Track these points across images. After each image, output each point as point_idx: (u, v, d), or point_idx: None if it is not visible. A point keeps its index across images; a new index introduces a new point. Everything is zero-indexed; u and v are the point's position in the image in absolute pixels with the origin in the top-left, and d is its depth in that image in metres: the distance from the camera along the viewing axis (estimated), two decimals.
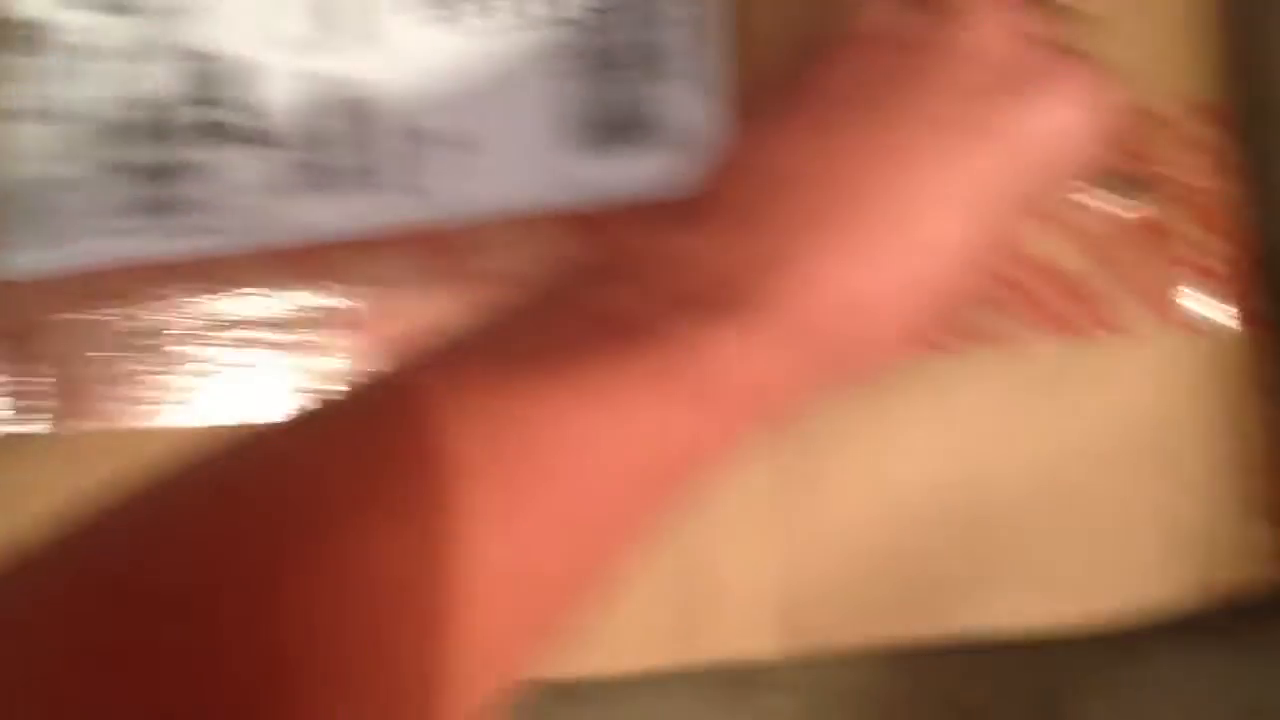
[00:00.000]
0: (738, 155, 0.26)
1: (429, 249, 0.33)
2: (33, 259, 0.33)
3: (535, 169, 0.33)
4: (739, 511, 0.32)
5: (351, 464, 0.20)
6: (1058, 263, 0.33)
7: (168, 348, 0.33)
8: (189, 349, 0.33)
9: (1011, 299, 0.33)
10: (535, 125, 0.33)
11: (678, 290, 0.23)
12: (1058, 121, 0.26)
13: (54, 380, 0.33)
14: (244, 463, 0.20)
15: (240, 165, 0.33)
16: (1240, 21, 0.34)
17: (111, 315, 0.33)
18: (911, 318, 0.25)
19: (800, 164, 0.25)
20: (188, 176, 0.33)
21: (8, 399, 0.33)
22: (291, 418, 0.21)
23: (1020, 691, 0.38)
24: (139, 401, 0.33)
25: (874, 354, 0.25)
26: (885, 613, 0.33)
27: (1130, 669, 0.38)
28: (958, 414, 0.33)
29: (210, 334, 0.33)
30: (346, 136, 0.33)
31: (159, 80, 0.33)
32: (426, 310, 0.33)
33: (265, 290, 0.33)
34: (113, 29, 0.33)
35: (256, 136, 0.33)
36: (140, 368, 0.33)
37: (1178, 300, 0.33)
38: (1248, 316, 0.33)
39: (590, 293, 0.24)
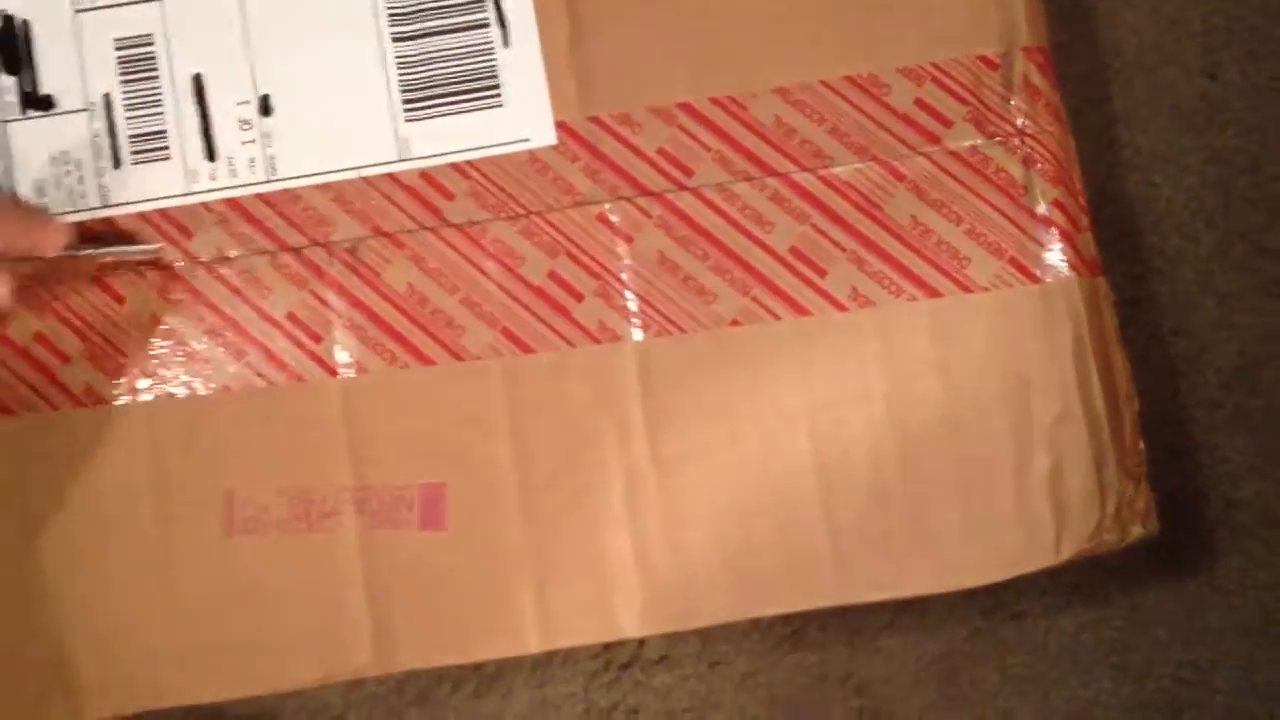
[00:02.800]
0: None
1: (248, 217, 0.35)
2: None
3: (364, 132, 0.36)
4: (595, 502, 0.35)
5: None
6: (908, 221, 0.35)
7: None
8: None
9: (866, 260, 0.35)
10: (360, 88, 0.36)
11: None
12: None
13: None
14: None
15: (47, 134, 0.36)
16: None
17: None
18: None
19: None
20: None
21: None
22: None
23: (913, 662, 0.41)
24: None
25: None
26: (759, 589, 0.34)
27: (1016, 633, 0.41)
28: (810, 381, 0.35)
29: None
30: (154, 100, 0.36)
31: None
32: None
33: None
34: None
35: (62, 103, 0.36)
36: None
37: (1025, 254, 0.35)
38: (1087, 264, 0.35)
39: None
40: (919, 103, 0.35)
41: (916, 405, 0.35)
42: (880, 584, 0.34)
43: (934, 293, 0.35)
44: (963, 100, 0.36)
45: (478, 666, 0.39)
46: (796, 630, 0.39)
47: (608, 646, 0.39)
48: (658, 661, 0.39)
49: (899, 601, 0.35)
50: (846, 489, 0.35)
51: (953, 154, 0.35)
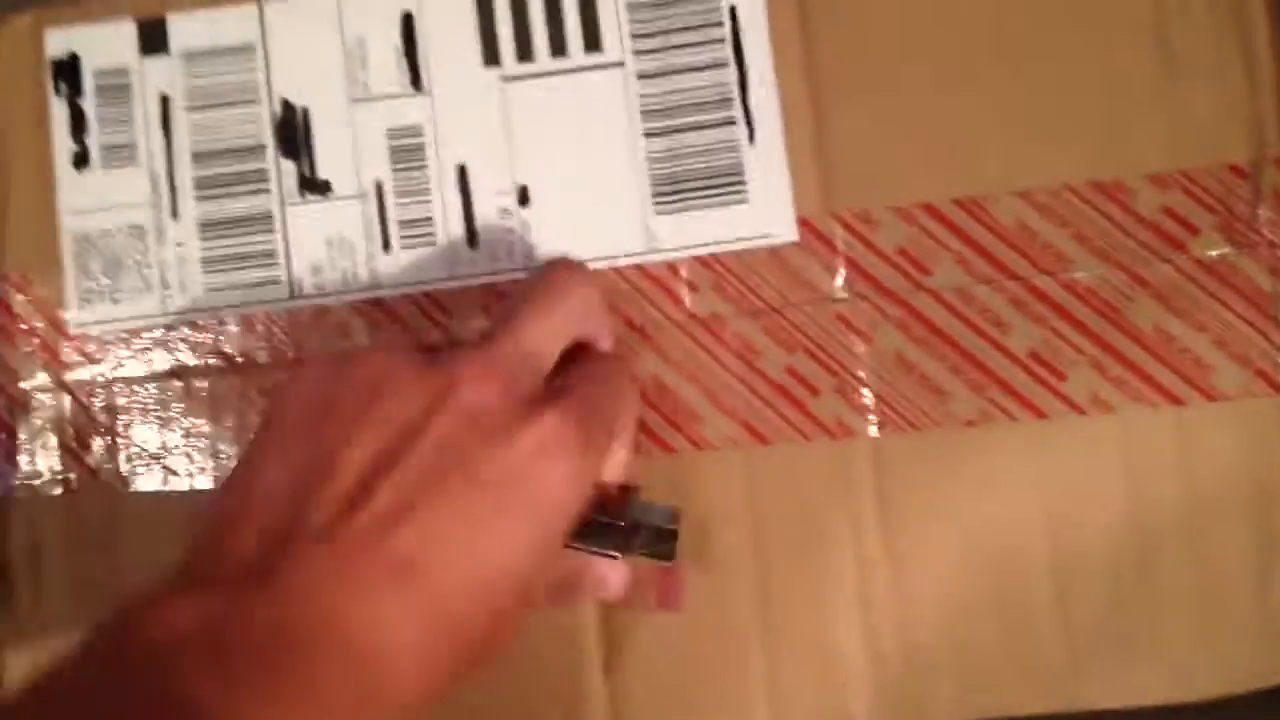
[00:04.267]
0: None
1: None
2: (113, 312, 0.38)
3: (616, 224, 0.37)
4: (828, 592, 0.36)
5: None
6: (1150, 328, 0.36)
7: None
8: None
9: (1107, 366, 0.36)
10: (612, 181, 0.38)
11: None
12: (536, 506, 0.29)
13: (119, 440, 0.38)
14: None
15: (323, 218, 0.38)
16: None
17: (182, 375, 0.38)
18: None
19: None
20: (270, 228, 0.38)
21: (69, 456, 0.38)
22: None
23: None
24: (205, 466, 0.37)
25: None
26: (990, 689, 0.35)
27: None
28: (1047, 483, 0.35)
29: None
30: (422, 188, 0.38)
31: (245, 131, 0.39)
32: None
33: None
34: (197, 79, 0.39)
35: (337, 189, 0.38)
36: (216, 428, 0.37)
37: (1270, 363, 0.35)
38: None
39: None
40: (1166, 210, 0.36)
41: (1157, 511, 0.35)
42: (1115, 691, 0.35)
43: (1177, 400, 0.35)
44: (1210, 209, 0.36)
45: None
46: None
47: None
48: None
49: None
50: (1082, 592, 0.35)
51: (1198, 262, 0.35)
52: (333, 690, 0.25)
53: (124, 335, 0.37)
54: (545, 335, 0.31)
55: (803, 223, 0.37)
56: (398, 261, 0.37)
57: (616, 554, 0.31)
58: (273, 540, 0.26)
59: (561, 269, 0.33)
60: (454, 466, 0.28)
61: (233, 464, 0.37)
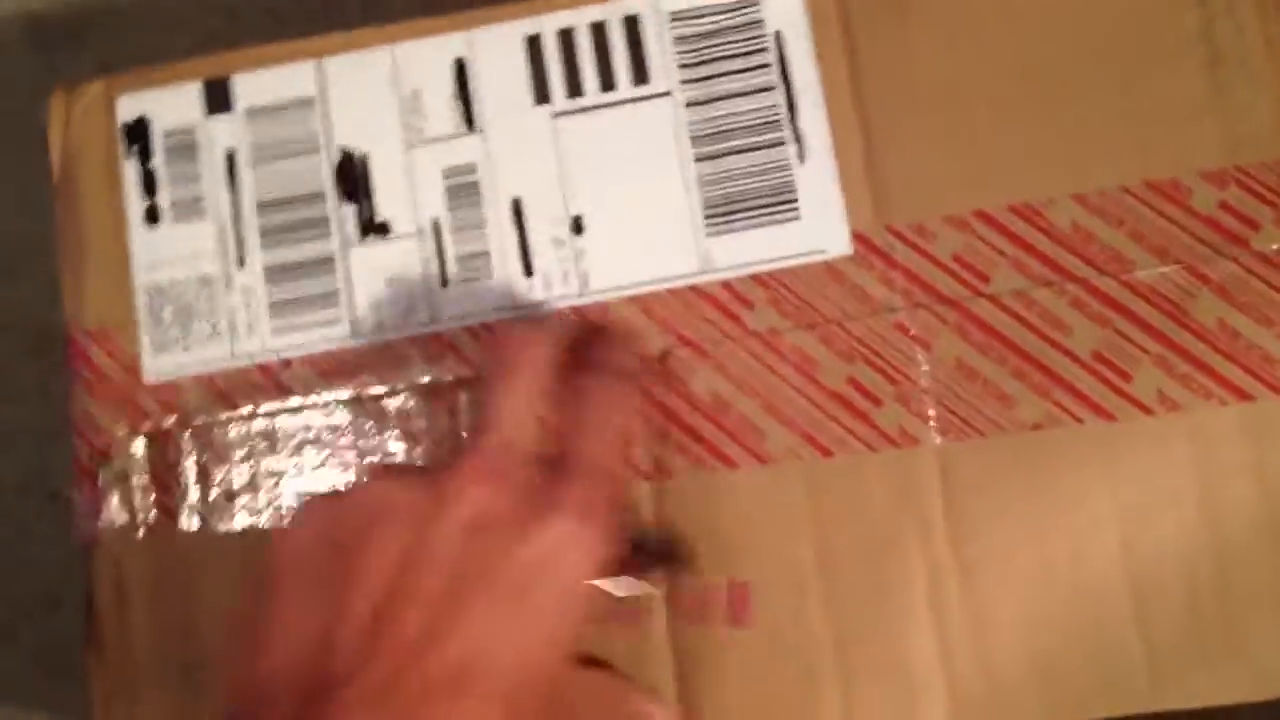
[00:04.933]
0: None
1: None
2: (185, 359, 0.39)
3: (669, 247, 0.38)
4: (900, 604, 0.35)
5: None
6: (1215, 323, 0.35)
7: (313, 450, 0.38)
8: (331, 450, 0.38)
9: (1173, 364, 0.35)
10: (664, 207, 0.38)
11: None
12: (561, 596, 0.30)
13: (196, 483, 0.39)
14: None
15: (383, 258, 0.39)
16: None
17: (254, 416, 0.39)
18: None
19: None
20: (331, 270, 0.39)
21: (150, 500, 0.39)
22: None
23: None
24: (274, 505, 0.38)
25: None
26: (1068, 697, 0.34)
27: None
28: (1118, 485, 0.35)
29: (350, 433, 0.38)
30: (477, 223, 0.39)
31: (306, 180, 0.40)
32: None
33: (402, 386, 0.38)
34: (260, 133, 0.40)
35: (395, 229, 0.39)
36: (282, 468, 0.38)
37: None
38: None
39: None
40: (1223, 205, 0.35)
41: (1231, 509, 0.34)
42: (1197, 692, 0.34)
43: (1245, 396, 0.34)
44: (1269, 203, 0.35)
45: None
46: None
47: None
48: None
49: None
50: (1160, 595, 0.34)
51: (1261, 256, 0.35)
52: None
53: (197, 381, 0.38)
54: (518, 412, 0.31)
55: (857, 236, 0.37)
56: (455, 295, 0.38)
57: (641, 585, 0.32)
58: (304, 699, 0.27)
59: (501, 341, 0.33)
60: (473, 575, 0.28)
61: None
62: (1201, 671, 0.33)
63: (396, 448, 0.38)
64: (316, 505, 0.30)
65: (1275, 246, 0.35)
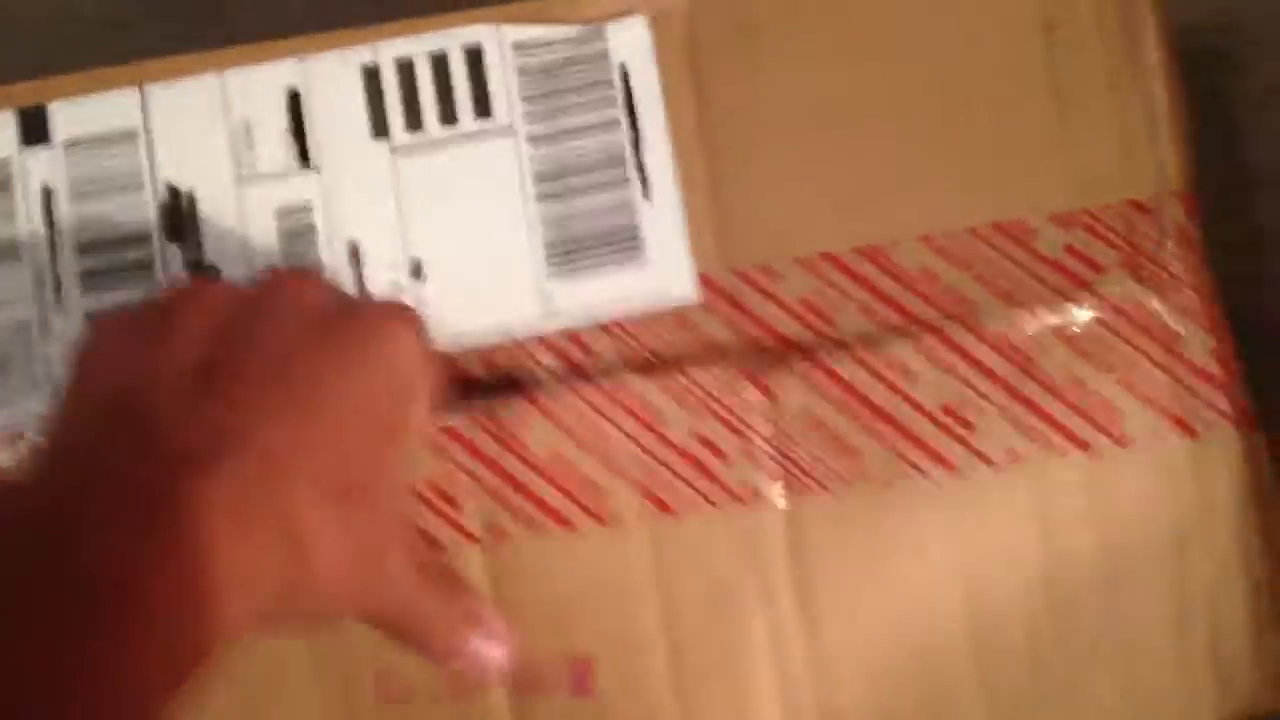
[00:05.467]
0: None
1: None
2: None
3: (510, 293, 0.37)
4: (745, 667, 0.34)
5: None
6: (1060, 373, 0.35)
7: None
8: None
9: (1017, 415, 0.35)
10: (506, 248, 0.37)
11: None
12: (392, 357, 0.27)
13: None
14: None
15: None
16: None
17: None
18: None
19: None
20: None
21: None
22: None
23: None
24: None
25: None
26: None
27: None
28: (963, 541, 0.34)
29: None
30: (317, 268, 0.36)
31: (129, 219, 0.38)
32: None
33: None
34: (79, 168, 0.38)
35: (226, 272, 0.37)
36: None
37: (1182, 406, 0.34)
38: (1245, 418, 0.34)
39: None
40: (1069, 249, 0.35)
41: (1072, 564, 0.34)
42: None
43: (1088, 447, 0.34)
44: (1114, 246, 0.35)
45: None
46: None
47: None
48: None
49: None
50: (1001, 652, 0.34)
51: (1106, 302, 0.35)
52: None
53: (10, 439, 0.36)
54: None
55: (704, 279, 0.36)
56: None
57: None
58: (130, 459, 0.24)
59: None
60: (299, 351, 0.26)
61: None
62: None
63: None
64: (109, 318, 0.27)
65: (1119, 290, 0.35)
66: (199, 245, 0.37)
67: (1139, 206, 0.35)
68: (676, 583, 0.35)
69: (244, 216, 0.37)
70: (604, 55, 0.37)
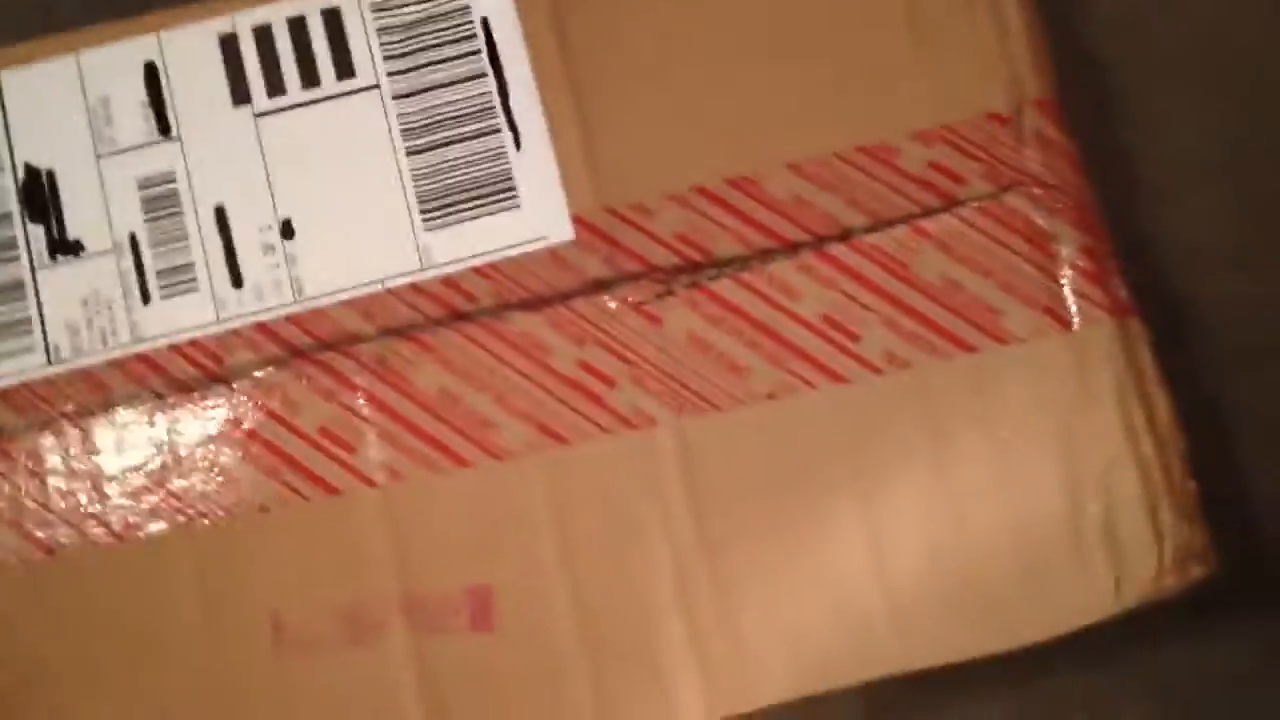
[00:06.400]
0: None
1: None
2: None
3: (386, 246, 0.36)
4: (647, 592, 0.34)
5: None
6: (938, 278, 0.35)
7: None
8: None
9: (898, 321, 0.35)
10: (379, 203, 0.36)
11: None
12: None
13: None
14: None
15: (77, 278, 0.36)
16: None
17: None
18: None
19: None
20: (22, 296, 0.36)
21: None
22: None
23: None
24: None
25: None
26: (818, 663, 0.33)
27: (1104, 678, 0.40)
28: (854, 448, 0.34)
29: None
30: (178, 235, 0.36)
31: None
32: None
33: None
34: None
35: (89, 247, 0.36)
36: None
37: (1057, 300, 0.35)
38: (1120, 306, 0.35)
39: None
40: (932, 165, 0.36)
41: (963, 462, 0.34)
42: (941, 647, 0.33)
43: (970, 348, 0.34)
44: (975, 158, 0.36)
45: None
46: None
47: None
48: None
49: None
50: (898, 554, 0.34)
51: (976, 208, 0.35)
52: None
53: None
54: None
55: (578, 221, 0.36)
56: (159, 313, 0.35)
57: None
58: None
59: None
60: None
61: None
62: (945, 626, 0.33)
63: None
64: None
65: (985, 197, 0.35)
66: (61, 222, 0.36)
67: (998, 118, 0.36)
68: (574, 512, 0.34)
69: (106, 190, 0.36)
70: (465, 9, 0.37)
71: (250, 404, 0.35)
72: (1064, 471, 0.34)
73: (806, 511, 0.34)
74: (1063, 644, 0.33)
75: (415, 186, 0.36)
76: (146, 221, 0.36)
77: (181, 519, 0.34)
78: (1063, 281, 0.35)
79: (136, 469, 0.35)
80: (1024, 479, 0.34)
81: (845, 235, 0.36)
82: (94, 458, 0.35)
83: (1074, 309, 0.35)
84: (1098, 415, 0.34)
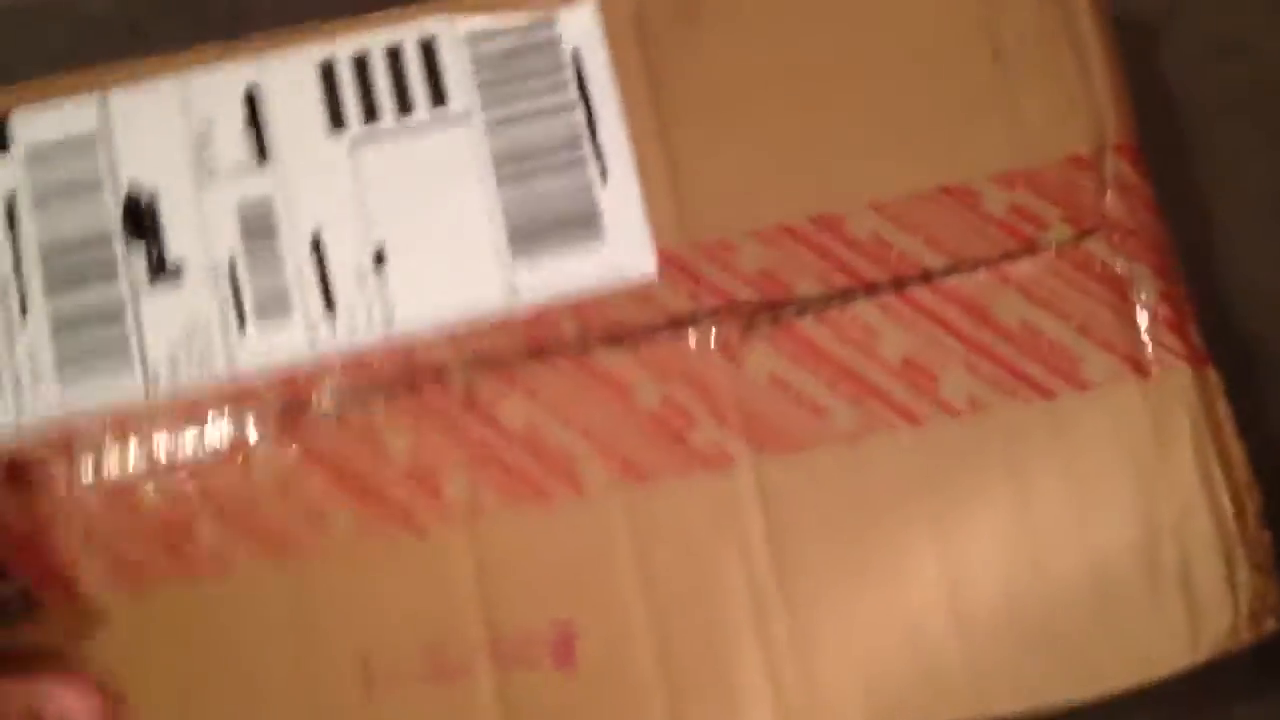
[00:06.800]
0: None
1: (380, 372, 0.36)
2: None
3: (473, 276, 0.37)
4: (726, 631, 0.34)
5: None
6: (1017, 323, 0.35)
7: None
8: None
9: (977, 365, 0.35)
10: (468, 233, 0.37)
11: None
12: None
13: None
14: None
15: (176, 302, 0.37)
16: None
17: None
18: None
19: None
20: (124, 319, 0.37)
21: None
22: None
23: None
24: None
25: None
26: (894, 704, 0.34)
27: None
28: (932, 490, 0.35)
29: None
30: (275, 261, 0.37)
31: (92, 222, 0.38)
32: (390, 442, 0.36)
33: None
34: (39, 172, 0.38)
35: (188, 270, 0.37)
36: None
37: (1135, 347, 0.35)
38: (1197, 355, 0.35)
39: None
40: (1014, 208, 0.36)
41: (1040, 507, 0.35)
42: (1018, 693, 0.34)
43: (1048, 393, 0.35)
44: (1056, 202, 0.36)
45: None
46: None
47: None
48: None
49: None
50: (975, 597, 0.34)
51: (1054, 253, 0.35)
52: None
53: None
54: None
55: (663, 256, 0.36)
56: (254, 339, 0.36)
57: None
58: None
59: None
60: None
61: None
62: (1021, 670, 0.33)
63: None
64: None
65: (1066, 242, 0.35)
66: (161, 244, 0.37)
67: (1080, 161, 0.36)
68: (653, 549, 0.35)
69: (205, 214, 0.37)
70: (556, 41, 0.38)
71: (341, 436, 0.36)
72: (1140, 519, 0.34)
73: (884, 552, 0.35)
74: (1129, 701, 0.33)
75: (505, 218, 0.37)
76: (245, 246, 0.37)
77: (274, 555, 0.35)
78: (1141, 328, 0.35)
79: (229, 501, 0.36)
80: (1100, 525, 0.34)
81: (926, 277, 0.36)
82: (186, 489, 0.36)
83: (1152, 356, 0.35)
84: (1174, 464, 0.34)
